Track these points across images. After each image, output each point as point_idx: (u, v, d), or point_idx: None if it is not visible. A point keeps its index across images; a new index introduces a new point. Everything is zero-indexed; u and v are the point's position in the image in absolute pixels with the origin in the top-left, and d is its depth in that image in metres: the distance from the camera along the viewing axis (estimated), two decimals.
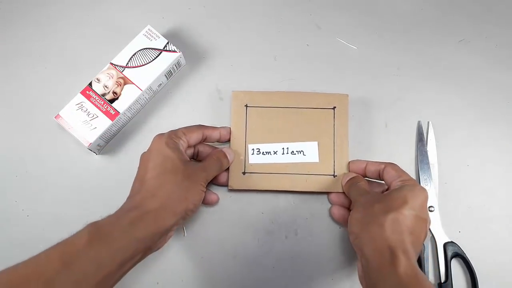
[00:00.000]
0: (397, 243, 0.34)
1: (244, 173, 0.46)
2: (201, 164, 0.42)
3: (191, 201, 0.39)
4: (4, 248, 0.45)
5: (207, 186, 0.43)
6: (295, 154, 0.46)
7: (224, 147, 0.45)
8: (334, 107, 0.47)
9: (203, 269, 0.45)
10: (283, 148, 0.46)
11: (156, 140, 0.41)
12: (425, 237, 0.38)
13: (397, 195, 0.37)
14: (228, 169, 0.46)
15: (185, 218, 0.39)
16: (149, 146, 0.41)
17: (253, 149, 0.46)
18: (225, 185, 0.46)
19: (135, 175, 0.41)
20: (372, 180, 0.45)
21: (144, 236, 0.35)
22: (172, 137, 0.41)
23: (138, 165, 0.41)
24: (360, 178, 0.44)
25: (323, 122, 0.47)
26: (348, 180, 0.44)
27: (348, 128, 0.47)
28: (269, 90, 0.49)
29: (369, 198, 0.39)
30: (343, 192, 0.45)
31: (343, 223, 0.45)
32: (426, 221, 0.37)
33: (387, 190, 0.41)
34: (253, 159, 0.46)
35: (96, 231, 0.34)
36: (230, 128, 0.47)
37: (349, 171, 0.46)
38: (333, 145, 0.46)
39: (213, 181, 0.46)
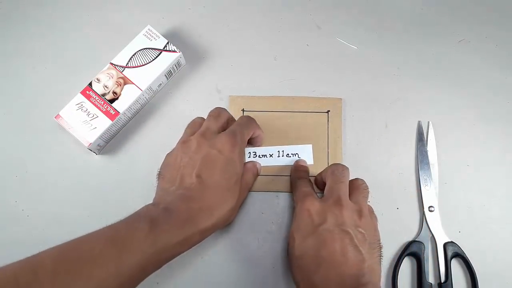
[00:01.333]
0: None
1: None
2: (244, 179, 0.43)
3: (236, 211, 0.42)
4: (4, 248, 0.45)
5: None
6: (290, 156, 0.47)
7: (252, 160, 0.47)
8: (328, 111, 0.48)
9: (203, 270, 0.45)
10: (278, 151, 0.47)
11: (233, 142, 0.40)
12: (373, 233, 0.39)
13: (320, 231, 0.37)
14: None
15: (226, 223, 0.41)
16: (217, 144, 0.39)
17: (249, 152, 0.47)
18: None
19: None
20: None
21: (196, 233, 0.36)
22: (243, 144, 0.41)
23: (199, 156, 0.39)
24: (306, 173, 0.45)
25: (317, 126, 0.48)
26: (298, 168, 0.45)
27: (341, 131, 0.48)
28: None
29: (301, 224, 0.39)
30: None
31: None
32: (349, 233, 0.36)
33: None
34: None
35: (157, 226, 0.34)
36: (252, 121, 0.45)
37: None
38: (327, 148, 0.47)
39: None
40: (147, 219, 0.34)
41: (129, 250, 0.32)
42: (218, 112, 0.43)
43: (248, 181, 0.44)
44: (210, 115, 0.43)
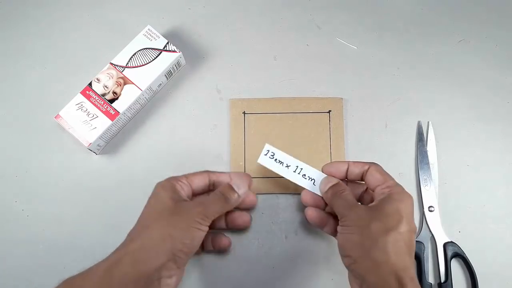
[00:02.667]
0: (402, 270, 0.33)
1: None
2: (198, 198, 0.40)
3: (178, 239, 0.34)
4: (4, 248, 0.45)
5: (218, 228, 0.41)
6: (305, 178, 0.42)
7: (236, 178, 0.40)
8: (329, 111, 0.48)
9: (202, 269, 0.45)
10: (296, 166, 0.42)
11: (155, 186, 0.39)
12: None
13: (391, 209, 0.35)
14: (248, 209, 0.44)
15: (177, 261, 0.35)
16: None
17: (268, 150, 0.42)
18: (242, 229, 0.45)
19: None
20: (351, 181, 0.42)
21: (120, 285, 0.32)
22: (169, 179, 0.39)
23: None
24: (343, 186, 0.40)
25: (319, 126, 0.48)
26: (330, 188, 0.39)
27: (343, 130, 0.48)
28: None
29: (362, 214, 0.36)
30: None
31: (319, 225, 0.41)
32: (415, 231, 0.36)
33: (366, 190, 0.41)
34: (264, 160, 0.42)
35: None
36: (246, 174, 0.42)
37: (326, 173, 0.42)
38: (329, 148, 0.47)
39: (230, 224, 0.43)
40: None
41: None
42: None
43: (204, 202, 0.38)
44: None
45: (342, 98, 0.49)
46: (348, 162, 0.41)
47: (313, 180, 0.42)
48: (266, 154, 0.42)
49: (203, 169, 0.42)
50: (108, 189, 0.47)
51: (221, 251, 0.44)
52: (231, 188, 0.39)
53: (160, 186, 0.38)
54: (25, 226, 0.46)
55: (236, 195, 0.39)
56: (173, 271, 0.35)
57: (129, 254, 0.34)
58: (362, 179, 0.41)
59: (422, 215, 0.46)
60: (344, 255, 0.36)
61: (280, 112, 0.48)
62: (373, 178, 0.39)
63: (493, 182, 0.47)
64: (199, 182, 0.40)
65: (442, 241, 0.45)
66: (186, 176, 0.40)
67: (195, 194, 0.41)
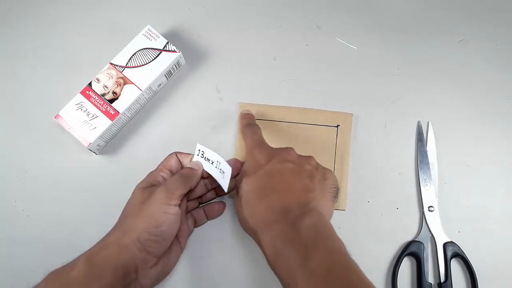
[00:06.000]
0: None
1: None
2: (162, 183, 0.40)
3: (142, 229, 0.35)
4: (4, 248, 0.45)
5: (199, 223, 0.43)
6: (221, 172, 0.42)
7: (194, 160, 0.41)
8: (338, 125, 0.48)
9: (203, 269, 0.45)
10: (218, 162, 0.42)
11: None
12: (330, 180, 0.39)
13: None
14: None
15: (149, 251, 0.35)
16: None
17: (199, 150, 0.42)
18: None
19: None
20: None
21: (102, 273, 0.33)
22: (146, 176, 0.40)
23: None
24: (253, 119, 0.45)
25: (325, 139, 0.47)
26: (243, 115, 0.45)
27: (350, 146, 0.47)
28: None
29: (248, 168, 0.40)
30: None
31: None
32: (295, 164, 0.38)
33: None
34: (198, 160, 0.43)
35: (53, 278, 0.34)
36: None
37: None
38: (333, 163, 0.47)
39: (209, 215, 0.45)
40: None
41: None
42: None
43: (167, 184, 0.38)
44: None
45: (352, 114, 0.48)
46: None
47: (223, 173, 0.41)
48: (198, 154, 0.41)
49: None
50: (108, 189, 0.47)
51: (216, 214, 0.45)
52: (189, 168, 0.39)
53: (137, 185, 0.40)
54: (25, 226, 0.46)
55: (193, 171, 0.39)
56: (150, 261, 0.36)
57: (106, 246, 0.35)
58: None
59: (422, 215, 0.46)
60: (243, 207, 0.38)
61: (288, 121, 0.48)
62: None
63: (493, 182, 0.47)
64: (175, 165, 0.41)
65: (442, 241, 0.45)
66: (161, 164, 0.41)
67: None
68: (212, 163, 0.41)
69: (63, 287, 0.33)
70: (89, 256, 0.35)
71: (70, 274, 0.33)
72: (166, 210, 0.36)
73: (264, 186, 0.37)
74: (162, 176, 0.40)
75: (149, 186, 0.39)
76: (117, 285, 0.34)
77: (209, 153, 0.41)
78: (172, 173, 0.41)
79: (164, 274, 0.39)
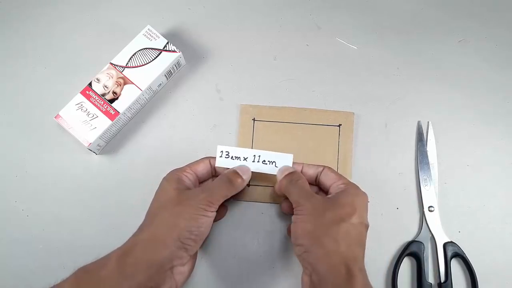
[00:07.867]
0: (352, 260, 0.34)
1: (248, 185, 0.46)
2: (203, 185, 0.41)
3: (184, 228, 0.35)
4: (4, 248, 0.45)
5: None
6: (266, 163, 0.42)
7: (243, 166, 0.41)
8: (340, 125, 0.48)
9: (203, 269, 0.45)
10: (254, 155, 0.42)
11: (161, 180, 0.40)
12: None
13: (345, 201, 0.37)
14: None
15: (187, 249, 0.36)
16: None
17: (222, 151, 0.43)
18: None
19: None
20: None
21: (134, 272, 0.33)
22: (173, 171, 0.40)
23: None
24: (299, 174, 0.40)
25: (328, 139, 0.48)
26: (286, 175, 0.40)
27: (352, 145, 0.47)
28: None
29: (317, 204, 0.36)
30: None
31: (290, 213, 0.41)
32: (368, 227, 0.38)
33: (317, 192, 0.41)
34: (222, 162, 0.42)
35: (83, 276, 0.34)
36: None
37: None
38: (336, 162, 0.47)
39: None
40: None
41: None
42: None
43: (210, 188, 0.39)
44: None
45: (353, 113, 0.48)
46: (303, 164, 0.42)
47: (273, 163, 0.42)
48: (221, 156, 0.42)
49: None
50: (108, 189, 0.47)
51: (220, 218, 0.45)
52: (236, 173, 0.40)
53: (164, 179, 0.40)
54: (25, 226, 0.46)
55: (240, 179, 0.40)
56: (185, 259, 0.36)
57: (139, 243, 0.35)
58: (316, 182, 0.42)
59: (422, 215, 0.46)
60: (296, 244, 0.36)
61: (290, 122, 0.48)
62: (328, 177, 0.40)
63: (493, 182, 0.47)
64: (203, 170, 0.42)
65: (442, 241, 0.45)
66: (189, 165, 0.41)
67: (201, 182, 0.42)
68: (246, 159, 0.41)
69: (93, 287, 0.33)
70: (121, 255, 0.34)
71: (101, 273, 0.33)
72: (205, 214, 0.37)
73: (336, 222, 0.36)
74: (188, 178, 0.40)
75: (176, 182, 0.39)
76: (151, 281, 0.34)
77: (235, 151, 0.42)
78: (198, 177, 0.41)
79: (191, 271, 0.39)
